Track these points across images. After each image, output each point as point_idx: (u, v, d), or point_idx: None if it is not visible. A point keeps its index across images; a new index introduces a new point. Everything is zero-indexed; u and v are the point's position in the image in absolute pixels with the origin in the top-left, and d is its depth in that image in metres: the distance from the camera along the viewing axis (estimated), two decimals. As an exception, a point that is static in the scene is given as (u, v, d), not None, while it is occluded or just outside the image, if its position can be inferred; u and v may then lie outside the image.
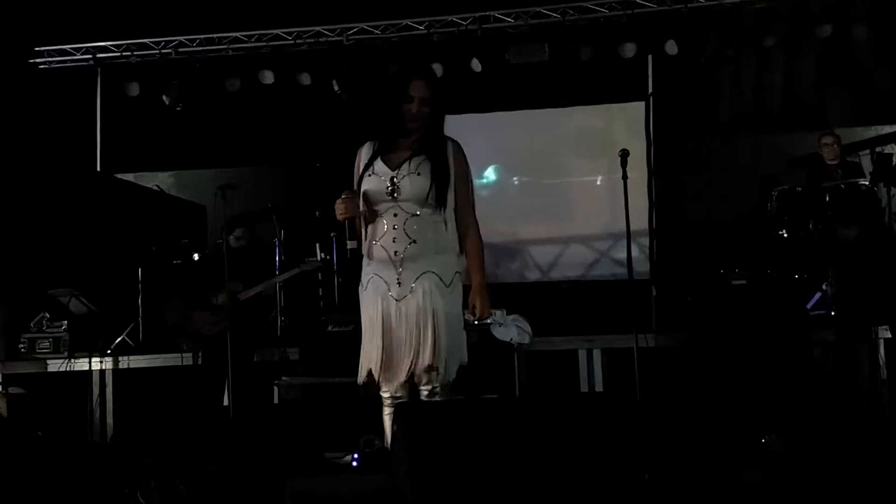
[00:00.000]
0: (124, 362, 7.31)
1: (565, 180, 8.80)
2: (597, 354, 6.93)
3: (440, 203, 3.76)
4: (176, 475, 4.57)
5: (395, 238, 3.73)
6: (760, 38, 8.33)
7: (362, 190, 3.79)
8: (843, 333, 6.57)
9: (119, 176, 9.37)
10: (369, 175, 3.78)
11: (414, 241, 3.72)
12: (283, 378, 6.69)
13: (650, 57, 8.53)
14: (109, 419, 7.21)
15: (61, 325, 7.40)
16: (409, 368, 3.76)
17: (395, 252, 3.73)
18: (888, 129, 8.56)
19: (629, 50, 8.38)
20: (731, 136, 9.30)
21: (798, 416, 5.74)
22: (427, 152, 3.77)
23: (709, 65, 8.81)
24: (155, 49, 9.00)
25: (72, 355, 7.27)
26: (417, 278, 3.74)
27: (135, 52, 9.03)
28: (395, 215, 3.74)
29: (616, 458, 3.22)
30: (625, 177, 5.24)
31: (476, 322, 4.02)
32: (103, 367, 7.27)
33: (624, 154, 5.26)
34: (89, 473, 5.12)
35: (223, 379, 6.69)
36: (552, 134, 8.87)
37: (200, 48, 9.01)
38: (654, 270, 8.06)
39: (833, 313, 6.68)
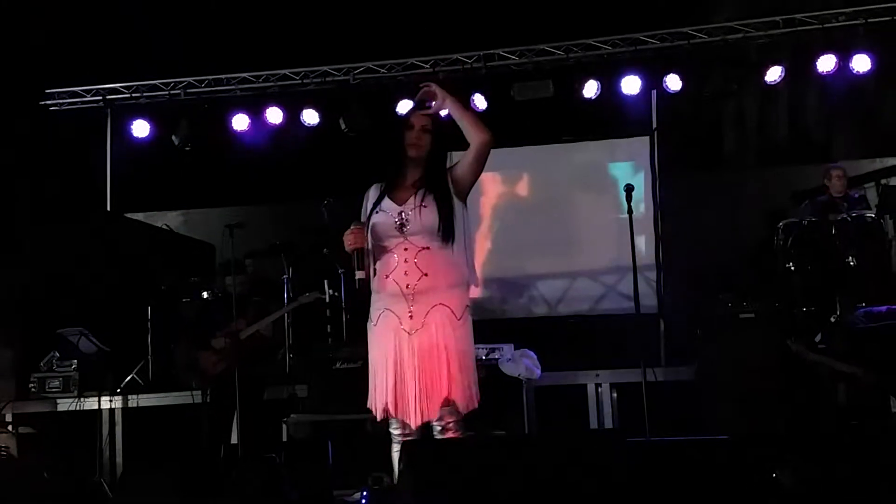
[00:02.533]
0: (133, 401, 7.32)
1: (571, 215, 8.83)
2: (605, 389, 6.92)
3: (447, 236, 3.81)
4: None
5: (406, 271, 3.77)
6: (764, 73, 8.37)
7: (371, 224, 3.83)
8: (853, 366, 6.55)
9: (129, 215, 9.43)
10: (377, 212, 3.83)
11: (426, 275, 3.76)
12: (292, 415, 6.70)
13: (654, 92, 8.57)
14: (119, 458, 7.21)
15: (71, 365, 7.42)
16: (421, 403, 3.74)
17: (408, 285, 3.76)
18: (893, 161, 8.59)
19: (633, 85, 8.44)
20: (737, 170, 9.35)
21: (810, 450, 5.71)
22: (430, 186, 3.83)
23: (713, 99, 8.86)
24: (164, 90, 9.10)
25: (81, 394, 7.29)
26: (429, 311, 3.76)
27: (144, 94, 9.13)
28: (406, 249, 3.79)
29: (627, 496, 3.22)
30: (630, 211, 5.27)
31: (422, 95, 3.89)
32: (113, 406, 7.29)
33: (629, 189, 5.30)
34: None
35: (231, 417, 6.71)
36: (558, 169, 8.92)
37: (209, 88, 9.11)
38: (661, 304, 8.06)
39: (842, 346, 6.66)
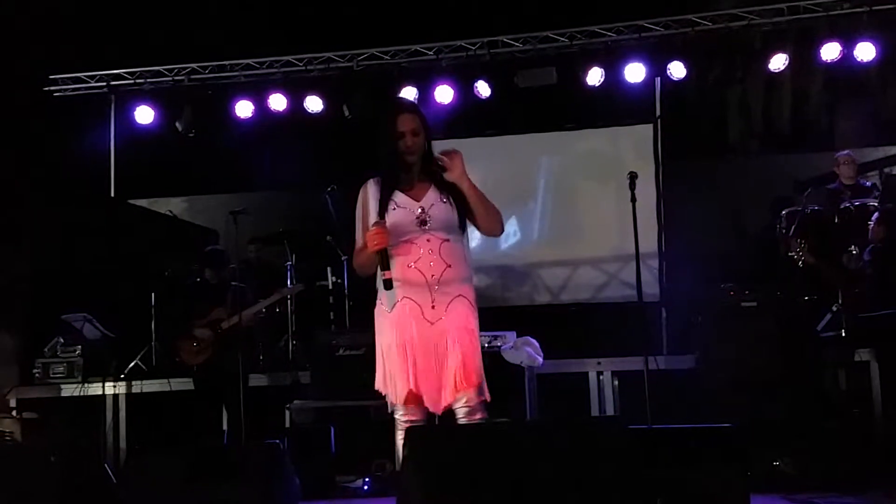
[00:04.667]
0: (137, 387, 7.35)
1: (574, 203, 8.83)
2: (607, 377, 6.95)
3: (463, 227, 3.90)
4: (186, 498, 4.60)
5: (431, 262, 3.80)
6: (768, 60, 8.35)
7: (389, 223, 3.83)
8: (854, 354, 6.57)
9: (132, 202, 9.45)
10: (393, 209, 3.84)
11: (449, 266, 3.81)
12: (295, 401, 6.72)
13: (658, 79, 8.56)
14: (122, 443, 7.26)
15: (75, 350, 7.46)
16: (445, 389, 3.78)
17: (432, 275, 3.79)
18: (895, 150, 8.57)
19: (637, 73, 8.42)
20: (740, 158, 9.34)
21: (811, 439, 5.73)
22: (442, 182, 3.88)
23: (716, 87, 8.85)
24: (168, 76, 9.10)
25: (85, 380, 7.33)
26: (451, 302, 3.82)
27: (148, 80, 9.13)
28: (429, 240, 3.82)
29: (628, 483, 3.24)
30: (633, 199, 5.27)
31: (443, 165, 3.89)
32: (116, 392, 7.33)
33: (632, 176, 5.29)
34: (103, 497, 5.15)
35: (220, 405, 6.75)
36: (561, 157, 8.92)
37: (212, 75, 9.10)
38: (663, 292, 8.07)
39: (843, 334, 6.68)
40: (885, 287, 6.29)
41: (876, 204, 7.27)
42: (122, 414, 7.32)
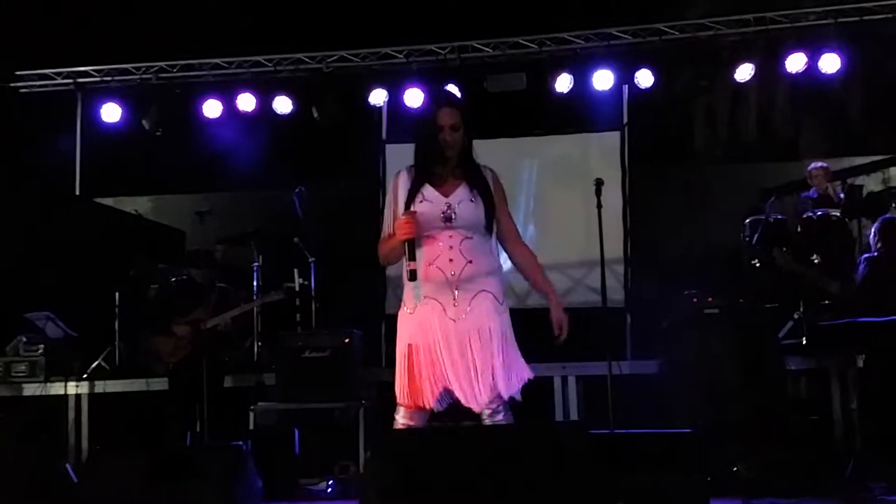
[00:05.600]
0: (100, 387, 7.29)
1: (542, 208, 8.87)
2: (571, 381, 6.98)
3: (489, 228, 3.87)
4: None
5: (451, 258, 3.78)
6: (734, 70, 8.45)
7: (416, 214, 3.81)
8: (814, 362, 6.66)
9: (98, 200, 9.37)
10: (420, 201, 3.81)
11: (470, 262, 3.78)
12: (259, 403, 6.70)
13: (626, 87, 8.63)
14: (85, 443, 7.19)
15: (38, 349, 7.37)
16: (476, 388, 3.74)
17: (452, 273, 3.76)
18: (859, 160, 8.70)
19: (605, 80, 8.49)
20: (706, 166, 9.43)
21: (770, 444, 5.79)
22: (473, 180, 3.88)
23: (683, 95, 8.94)
24: (136, 74, 9.04)
25: (48, 379, 7.25)
26: (474, 298, 3.79)
27: (115, 77, 9.07)
28: (451, 237, 3.79)
29: (588, 488, 3.27)
30: (599, 205, 5.31)
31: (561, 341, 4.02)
32: (79, 392, 7.26)
33: (598, 183, 5.33)
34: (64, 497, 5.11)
35: (194, 405, 6.72)
36: (529, 162, 8.96)
37: (181, 74, 9.06)
38: (628, 298, 8.13)
39: (804, 342, 6.78)
40: (878, 296, 6.37)
41: (838, 214, 7.39)
42: (85, 414, 7.25)
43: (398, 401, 3.81)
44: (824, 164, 7.92)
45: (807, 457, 5.47)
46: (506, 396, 3.80)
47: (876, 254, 6.38)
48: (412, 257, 3.72)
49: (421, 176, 3.86)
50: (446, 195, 3.83)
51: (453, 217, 3.79)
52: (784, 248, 6.81)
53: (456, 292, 3.78)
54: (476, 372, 3.75)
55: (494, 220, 3.89)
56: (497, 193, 3.93)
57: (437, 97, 4.09)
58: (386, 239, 3.87)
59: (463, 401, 3.74)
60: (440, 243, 3.79)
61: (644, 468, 4.56)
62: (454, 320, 3.77)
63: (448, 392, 3.75)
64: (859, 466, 5.54)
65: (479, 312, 3.79)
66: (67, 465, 5.51)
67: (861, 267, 6.48)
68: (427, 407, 3.74)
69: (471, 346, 3.76)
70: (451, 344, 3.75)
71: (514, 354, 3.90)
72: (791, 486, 5.36)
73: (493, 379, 3.75)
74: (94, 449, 7.10)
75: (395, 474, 3.28)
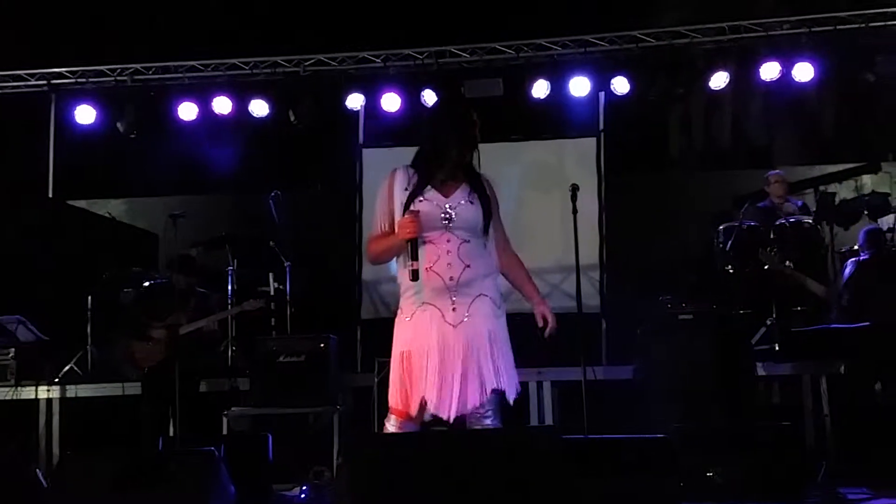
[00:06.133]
0: (72, 391, 7.23)
1: (518, 214, 8.84)
2: (547, 387, 6.99)
3: (486, 231, 3.88)
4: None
5: (450, 263, 3.75)
6: (709, 78, 8.52)
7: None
8: (787, 368, 6.72)
9: (71, 203, 9.29)
10: (421, 200, 3.79)
11: (468, 266, 3.77)
12: (233, 408, 6.66)
13: (602, 94, 8.67)
14: (56, 448, 7.12)
15: (8, 353, 7.29)
16: (463, 395, 3.70)
17: (451, 277, 3.74)
18: (831, 168, 8.78)
19: (582, 87, 8.53)
20: (680, 173, 9.50)
21: (743, 449, 5.83)
22: (474, 183, 3.90)
23: (659, 103, 8.99)
24: (110, 76, 8.98)
25: (19, 383, 7.17)
26: (472, 302, 3.77)
27: (90, 79, 9.00)
28: (449, 241, 3.77)
29: (561, 492, 3.27)
30: (575, 211, 5.31)
31: (548, 337, 4.03)
32: (50, 396, 7.19)
33: (574, 189, 5.33)
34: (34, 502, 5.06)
35: (167, 410, 6.67)
36: (506, 168, 8.95)
37: (156, 76, 9.01)
38: (603, 304, 8.15)
39: (777, 348, 6.83)
40: (862, 297, 6.46)
41: (811, 221, 7.46)
42: (56, 418, 7.18)
43: (390, 408, 3.79)
44: (781, 172, 8.04)
45: (779, 462, 5.50)
46: (510, 397, 3.80)
47: (864, 257, 6.58)
48: (414, 257, 3.71)
49: (423, 176, 3.84)
50: (446, 196, 3.82)
51: (452, 219, 3.78)
52: (772, 250, 6.89)
53: (454, 297, 3.75)
54: (464, 379, 3.70)
55: (491, 224, 3.90)
56: (494, 198, 3.96)
57: (458, 97, 4.07)
58: (378, 237, 3.86)
59: (431, 408, 3.68)
60: (439, 247, 3.77)
61: (617, 473, 4.58)
62: (453, 326, 3.74)
63: (422, 403, 3.70)
64: (830, 471, 5.60)
65: (478, 317, 3.77)
66: (38, 471, 5.45)
67: (848, 269, 6.60)
68: (414, 414, 3.71)
69: (471, 350, 3.73)
70: (446, 349, 3.71)
71: (511, 357, 3.89)
72: (763, 491, 5.39)
73: (495, 382, 3.74)
74: (64, 454, 7.03)
75: (369, 480, 3.27)
